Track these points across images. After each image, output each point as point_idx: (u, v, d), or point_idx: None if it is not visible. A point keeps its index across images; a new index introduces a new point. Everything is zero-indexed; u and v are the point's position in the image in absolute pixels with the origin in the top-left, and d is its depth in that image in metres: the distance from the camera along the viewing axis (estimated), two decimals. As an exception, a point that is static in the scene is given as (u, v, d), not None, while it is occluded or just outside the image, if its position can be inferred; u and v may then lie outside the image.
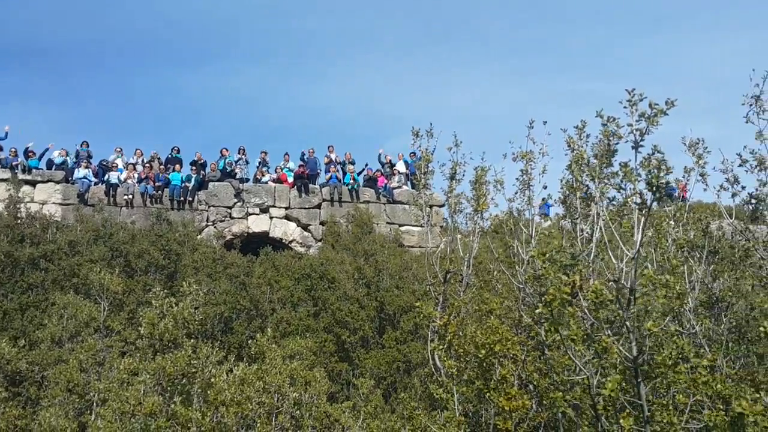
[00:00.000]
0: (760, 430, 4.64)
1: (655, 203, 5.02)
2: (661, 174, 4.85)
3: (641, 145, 5.19)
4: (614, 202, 6.12)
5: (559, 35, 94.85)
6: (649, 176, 4.87)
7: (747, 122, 8.13)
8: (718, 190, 9.18)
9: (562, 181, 9.46)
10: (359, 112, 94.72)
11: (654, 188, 4.86)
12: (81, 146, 22.86)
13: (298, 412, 10.73)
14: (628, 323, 5.26)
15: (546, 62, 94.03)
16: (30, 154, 21.99)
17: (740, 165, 8.83)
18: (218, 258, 19.67)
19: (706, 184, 9.34)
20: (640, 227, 5.12)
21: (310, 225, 23.35)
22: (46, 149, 22.46)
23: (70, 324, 13.34)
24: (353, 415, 11.54)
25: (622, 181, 5.43)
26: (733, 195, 9.09)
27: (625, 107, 5.34)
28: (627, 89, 5.28)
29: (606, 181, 6.27)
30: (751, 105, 8.04)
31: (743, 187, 9.07)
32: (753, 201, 8.75)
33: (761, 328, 4.90)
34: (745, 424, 4.66)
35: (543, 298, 5.00)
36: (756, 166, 8.66)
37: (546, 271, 4.99)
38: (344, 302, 18.02)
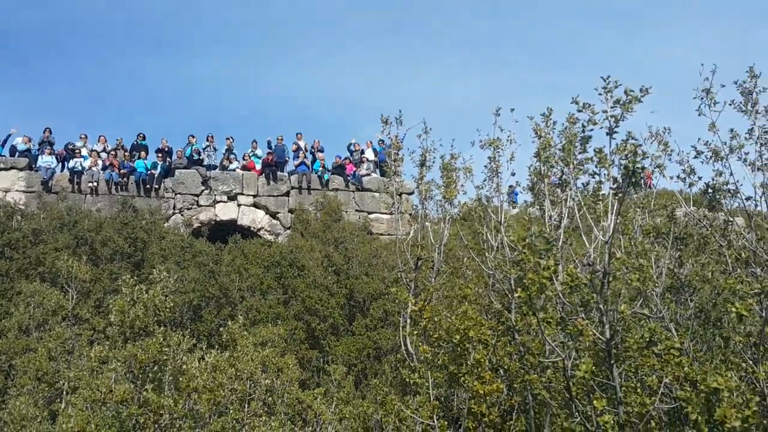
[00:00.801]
0: (734, 405, 4.80)
1: (630, 188, 5.13)
2: (637, 159, 4.96)
3: (616, 132, 5.29)
4: (588, 188, 6.23)
5: (528, 26, 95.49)
6: (626, 161, 4.98)
7: (699, 115, 8.38)
8: (677, 180, 9.44)
9: (530, 168, 9.60)
10: (328, 100, 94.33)
11: (630, 173, 4.97)
12: (44, 133, 22.38)
13: (270, 398, 10.74)
14: (602, 306, 5.37)
15: (514, 53, 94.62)
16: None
17: (695, 157, 9.08)
18: (186, 246, 19.49)
19: (664, 175, 9.59)
20: (614, 212, 5.23)
21: (278, 213, 23.25)
22: (9, 135, 22.00)
23: (37, 312, 13.13)
24: (325, 401, 11.60)
25: (596, 167, 5.54)
26: (690, 185, 9.36)
27: (600, 94, 5.44)
28: (602, 76, 5.39)
29: (580, 167, 6.38)
30: (702, 98, 8.28)
31: (699, 178, 9.35)
32: (710, 191, 9.00)
33: (733, 309, 5.05)
34: (720, 399, 4.80)
35: (522, 282, 5.08)
36: (711, 157, 8.92)
37: (525, 257, 5.07)
38: (314, 290, 18.01)
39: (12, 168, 21.18)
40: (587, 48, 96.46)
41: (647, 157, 5.12)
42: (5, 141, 21.80)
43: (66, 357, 11.89)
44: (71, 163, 21.60)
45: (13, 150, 21.81)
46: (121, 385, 8.50)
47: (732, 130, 8.49)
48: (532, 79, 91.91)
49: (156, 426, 8.24)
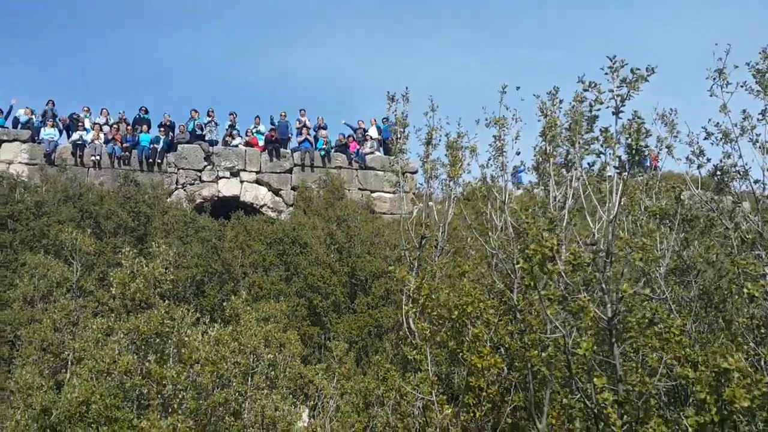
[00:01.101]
0: (743, 385, 4.84)
1: (633, 167, 5.14)
2: (641, 137, 4.97)
3: (622, 111, 5.29)
4: (593, 168, 6.24)
5: (533, 5, 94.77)
6: (629, 139, 4.98)
7: (711, 95, 8.30)
8: (685, 162, 9.41)
9: (535, 148, 9.58)
10: (332, 77, 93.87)
11: (633, 151, 4.98)
12: (47, 105, 22.35)
13: (272, 372, 10.85)
14: (604, 285, 5.40)
15: (518, 32, 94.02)
16: (-5, 112, 21.52)
17: (705, 138, 9.03)
18: (189, 221, 19.56)
19: (673, 156, 9.56)
20: (619, 191, 5.25)
21: (281, 190, 23.26)
22: (10, 106, 21.97)
23: (41, 284, 13.21)
24: (327, 376, 11.71)
25: (602, 146, 5.54)
26: (699, 167, 9.32)
27: (606, 73, 5.42)
28: (608, 56, 5.38)
29: (585, 146, 6.37)
30: (714, 78, 8.21)
31: (708, 159, 9.30)
32: (718, 173, 8.97)
33: (744, 290, 5.08)
34: (729, 379, 4.84)
35: (524, 253, 5.11)
36: (721, 139, 8.87)
37: (529, 226, 5.09)
38: (316, 267, 18.10)
39: (15, 140, 21.19)
40: (593, 27, 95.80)
41: (650, 135, 5.10)
42: (7, 113, 21.78)
43: (71, 328, 11.99)
44: (74, 136, 21.58)
45: (15, 122, 21.80)
46: (125, 356, 8.59)
47: (744, 111, 8.42)
48: (537, 57, 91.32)
49: (159, 396, 8.34)
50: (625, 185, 5.27)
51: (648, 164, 14.81)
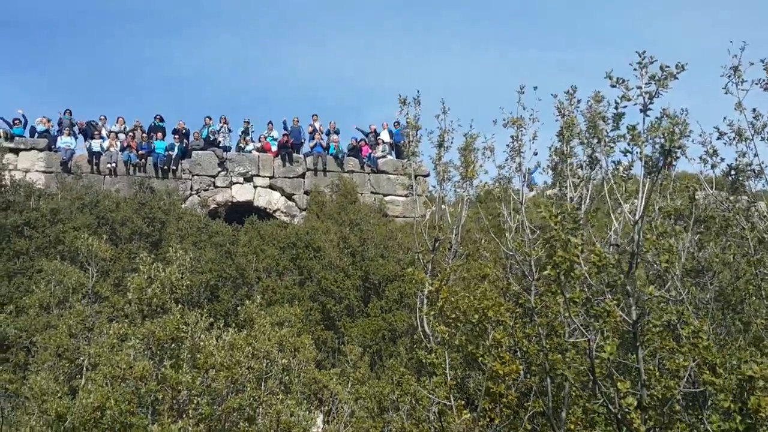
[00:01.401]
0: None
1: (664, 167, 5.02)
2: (675, 138, 4.86)
3: (650, 109, 5.18)
4: (619, 167, 6.12)
5: (542, 3, 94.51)
6: (663, 139, 4.86)
7: (726, 93, 8.12)
8: (698, 162, 9.24)
9: (550, 148, 9.47)
10: (343, 81, 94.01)
11: (667, 151, 4.86)
12: (64, 114, 22.50)
13: (287, 377, 10.78)
14: (629, 287, 5.30)
15: (528, 31, 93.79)
16: (16, 122, 21.66)
17: (718, 138, 8.86)
18: (203, 226, 19.59)
19: (686, 156, 9.41)
20: (646, 191, 5.14)
21: (294, 194, 23.25)
22: (24, 117, 22.03)
23: (57, 290, 13.24)
24: (341, 381, 11.63)
25: (629, 144, 5.42)
26: (713, 167, 9.16)
27: (635, 69, 5.31)
28: (638, 51, 5.26)
29: (611, 145, 6.26)
30: (729, 76, 8.05)
31: (722, 159, 9.14)
32: (732, 173, 8.81)
33: (763, 291, 4.95)
34: (755, 387, 4.72)
35: (552, 260, 5.00)
36: (734, 138, 8.71)
37: (557, 233, 4.99)
38: (329, 271, 18.05)
39: (32, 149, 21.35)
40: (604, 25, 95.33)
41: (689, 134, 5.00)
42: (25, 123, 21.89)
43: (86, 334, 11.99)
44: (90, 144, 21.70)
45: (32, 131, 21.95)
46: (140, 362, 8.55)
47: (755, 110, 8.27)
48: (547, 58, 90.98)
49: (174, 402, 8.29)
50: (653, 185, 5.16)
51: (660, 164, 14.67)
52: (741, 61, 7.85)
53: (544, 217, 5.69)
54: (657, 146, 5.32)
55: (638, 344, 5.56)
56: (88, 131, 22.36)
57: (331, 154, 23.73)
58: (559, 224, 5.04)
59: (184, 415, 8.30)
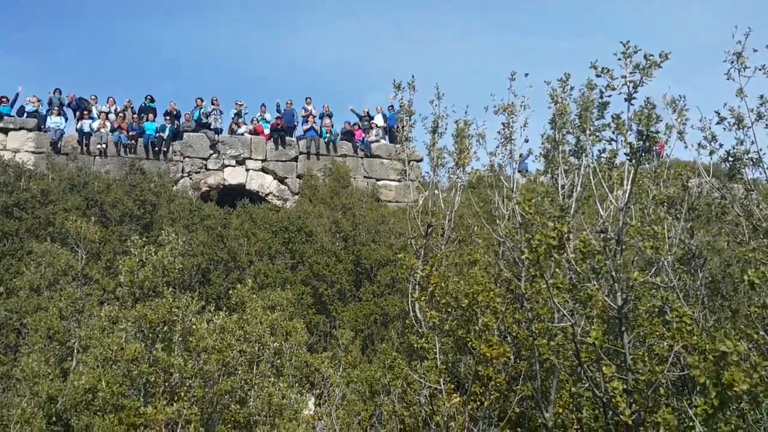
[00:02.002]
0: (741, 369, 4.79)
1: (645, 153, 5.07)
2: (651, 122, 4.89)
3: (634, 98, 5.21)
4: (604, 155, 6.15)
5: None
6: (641, 125, 4.90)
7: (728, 79, 8.12)
8: (697, 148, 9.27)
9: (543, 136, 9.48)
10: (337, 65, 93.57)
11: (645, 137, 4.90)
12: (53, 93, 22.31)
13: (278, 361, 10.83)
14: (614, 273, 5.35)
15: (524, 18, 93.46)
16: (2, 100, 21.45)
17: (718, 123, 8.89)
18: (195, 209, 19.54)
19: (685, 142, 9.43)
20: (630, 178, 5.18)
21: (286, 178, 23.22)
22: (17, 95, 21.90)
23: (48, 272, 13.21)
24: (333, 364, 11.69)
25: (613, 133, 5.46)
26: (711, 153, 9.18)
27: (619, 59, 5.34)
28: (622, 41, 5.30)
29: (597, 133, 6.29)
30: (732, 62, 8.05)
31: (721, 145, 9.17)
32: (730, 159, 8.85)
33: (745, 277, 5.01)
34: (729, 363, 4.79)
35: (529, 243, 5.05)
36: (734, 124, 8.73)
37: (532, 217, 5.03)
38: (321, 255, 18.08)
39: (21, 129, 21.16)
40: (599, 13, 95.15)
41: (661, 120, 5.02)
42: (13, 101, 21.73)
43: (76, 316, 12.00)
44: (81, 125, 21.54)
45: (21, 111, 21.76)
46: (132, 344, 8.58)
47: (762, 96, 8.26)
48: (540, 45, 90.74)
49: (166, 384, 8.33)
50: (636, 172, 5.20)
51: (655, 152, 14.71)
52: (745, 47, 7.84)
53: (526, 201, 5.73)
54: (637, 133, 5.36)
55: (623, 329, 5.62)
56: (81, 105, 22.10)
57: (324, 138, 23.66)
58: (532, 208, 5.08)
59: (176, 398, 8.34)
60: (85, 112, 21.94)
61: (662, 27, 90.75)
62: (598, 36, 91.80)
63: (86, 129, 21.41)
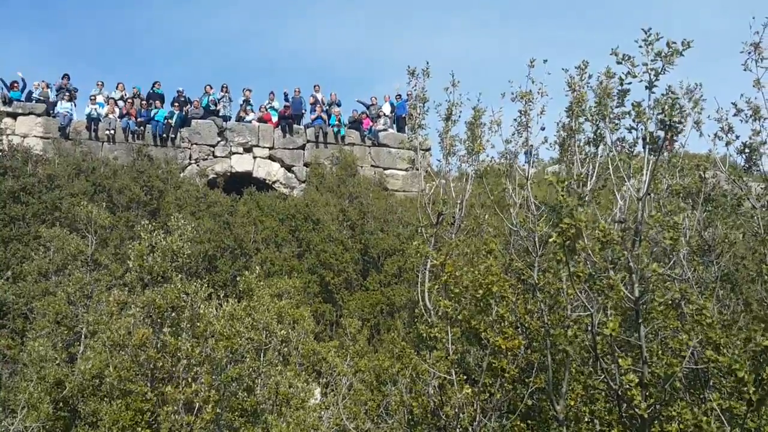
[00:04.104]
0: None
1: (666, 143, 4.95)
2: (674, 112, 4.77)
3: (655, 86, 5.09)
4: (623, 143, 6.03)
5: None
6: (663, 114, 4.79)
7: (745, 70, 7.98)
8: (713, 139, 9.12)
9: (558, 123, 9.34)
10: (347, 53, 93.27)
11: (667, 126, 4.79)
12: (62, 79, 22.24)
13: (285, 349, 10.78)
14: (632, 264, 5.25)
15: (536, 8, 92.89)
16: (14, 85, 21.39)
17: (735, 114, 8.75)
18: (202, 196, 19.50)
19: (701, 132, 9.28)
20: (650, 167, 5.07)
21: (294, 166, 23.12)
22: (23, 81, 21.78)
23: (56, 257, 13.17)
24: (340, 353, 11.64)
25: (633, 121, 5.34)
26: (728, 144, 9.04)
27: (640, 46, 5.21)
28: (643, 28, 5.16)
29: (616, 121, 6.17)
30: (749, 53, 7.91)
31: (737, 137, 9.03)
32: (746, 150, 8.73)
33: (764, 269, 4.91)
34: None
35: (558, 228, 4.94)
36: (751, 116, 8.59)
37: (563, 199, 4.92)
38: (328, 244, 18.02)
39: (30, 113, 21.10)
40: (610, 4, 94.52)
41: (685, 110, 4.91)
42: (23, 87, 21.62)
43: (84, 301, 11.96)
44: (88, 110, 21.46)
45: (29, 96, 21.69)
46: (140, 329, 8.52)
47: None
48: (554, 36, 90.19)
49: (174, 370, 8.28)
50: (657, 162, 5.09)
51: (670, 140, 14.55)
52: (762, 37, 7.69)
53: (551, 185, 5.61)
54: (658, 122, 5.24)
55: (640, 321, 5.53)
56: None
57: (332, 126, 23.53)
58: (565, 191, 4.97)
59: (184, 384, 8.30)
60: (91, 98, 21.77)
61: (666, 15, 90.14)
62: (613, 28, 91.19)
63: (94, 115, 21.33)
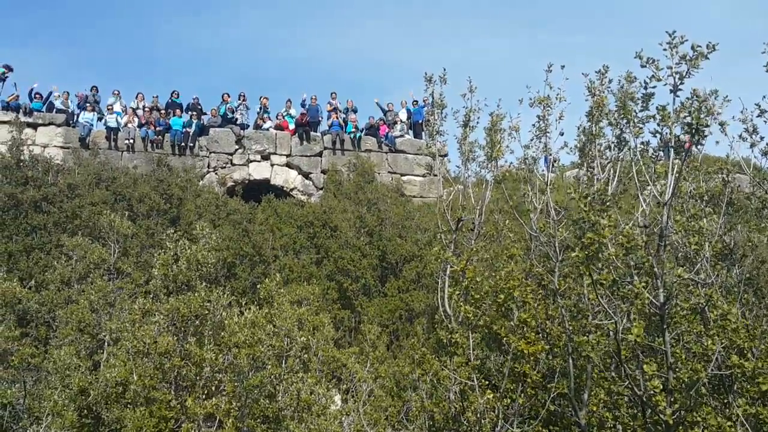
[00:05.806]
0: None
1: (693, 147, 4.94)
2: (702, 116, 4.76)
3: (680, 89, 5.08)
4: (648, 147, 6.02)
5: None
6: (689, 117, 4.77)
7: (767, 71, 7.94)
8: (737, 140, 9.04)
9: (579, 128, 9.31)
10: (363, 60, 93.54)
11: (694, 130, 4.77)
12: (90, 91, 22.54)
13: (306, 355, 10.82)
14: (657, 269, 5.23)
15: (554, 13, 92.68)
16: (36, 96, 21.68)
17: (758, 115, 8.68)
18: (221, 204, 19.62)
19: (726, 133, 9.21)
20: (675, 172, 5.05)
21: (311, 173, 23.20)
22: (50, 93, 22.12)
23: (79, 266, 13.30)
24: (360, 359, 11.66)
25: (658, 125, 5.33)
26: (752, 145, 8.97)
27: (664, 49, 5.20)
28: (668, 31, 5.15)
29: (640, 124, 6.15)
30: (774, 52, 7.83)
31: (761, 138, 8.96)
32: (770, 151, 8.65)
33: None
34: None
35: (581, 241, 4.95)
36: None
37: (586, 215, 4.92)
38: (346, 250, 18.04)
39: (50, 124, 21.36)
40: (623, 8, 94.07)
41: (713, 113, 4.90)
42: (46, 98, 21.93)
43: (108, 309, 12.07)
44: (107, 120, 21.69)
45: (50, 107, 21.97)
46: (164, 337, 8.59)
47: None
48: (575, 42, 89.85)
49: (197, 378, 8.34)
50: (683, 165, 5.07)
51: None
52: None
53: (572, 198, 5.62)
54: (684, 125, 5.21)
55: (665, 327, 5.50)
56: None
57: (349, 133, 23.60)
58: (588, 205, 4.96)
59: (206, 392, 8.35)
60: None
61: (678, 18, 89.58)
62: (625, 30, 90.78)
63: (113, 125, 21.55)
